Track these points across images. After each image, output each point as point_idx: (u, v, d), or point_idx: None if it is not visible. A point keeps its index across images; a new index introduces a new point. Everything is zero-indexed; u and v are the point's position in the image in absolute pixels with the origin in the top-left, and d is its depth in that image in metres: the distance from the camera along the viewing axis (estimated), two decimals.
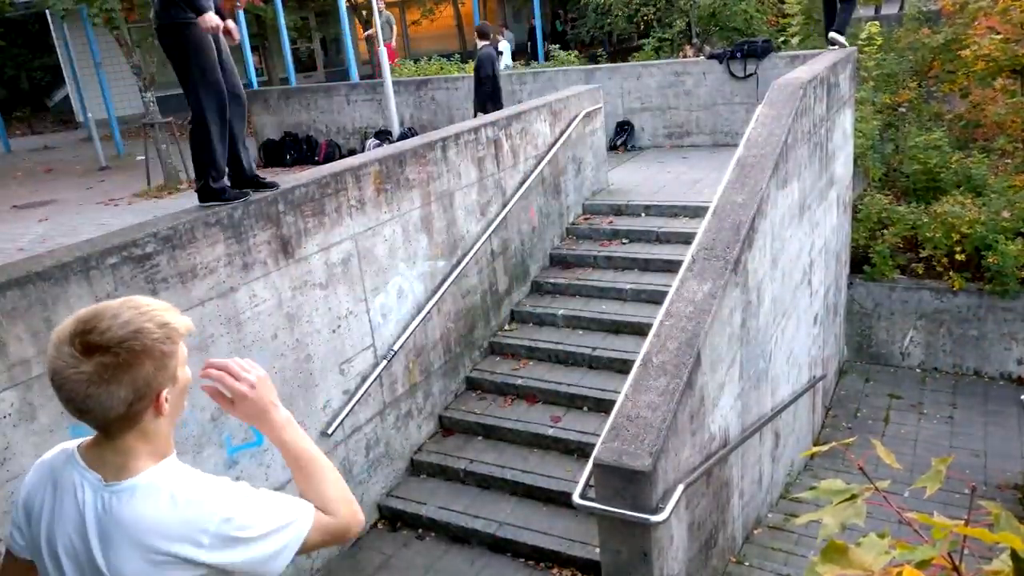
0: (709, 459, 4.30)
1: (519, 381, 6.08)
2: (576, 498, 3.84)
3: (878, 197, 9.47)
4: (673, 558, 3.91)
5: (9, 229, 8.87)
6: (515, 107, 7.23)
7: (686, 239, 6.27)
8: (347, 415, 4.98)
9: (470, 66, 14.93)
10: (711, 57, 10.31)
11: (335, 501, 1.60)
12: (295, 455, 1.64)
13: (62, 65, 18.80)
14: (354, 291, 5.07)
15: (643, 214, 7.60)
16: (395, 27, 14.29)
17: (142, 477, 1.47)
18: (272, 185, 4.50)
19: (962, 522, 1.12)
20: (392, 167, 5.33)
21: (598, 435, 4.59)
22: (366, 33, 14.80)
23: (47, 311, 3.41)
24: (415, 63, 15.03)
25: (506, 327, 6.71)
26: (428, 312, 5.66)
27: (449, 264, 5.94)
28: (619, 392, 4.11)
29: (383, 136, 11.84)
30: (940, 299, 8.92)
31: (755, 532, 5.57)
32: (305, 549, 1.55)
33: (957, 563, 1.10)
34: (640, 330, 6.02)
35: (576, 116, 7.61)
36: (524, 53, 20.78)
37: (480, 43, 8.72)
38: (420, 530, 5.27)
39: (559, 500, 5.09)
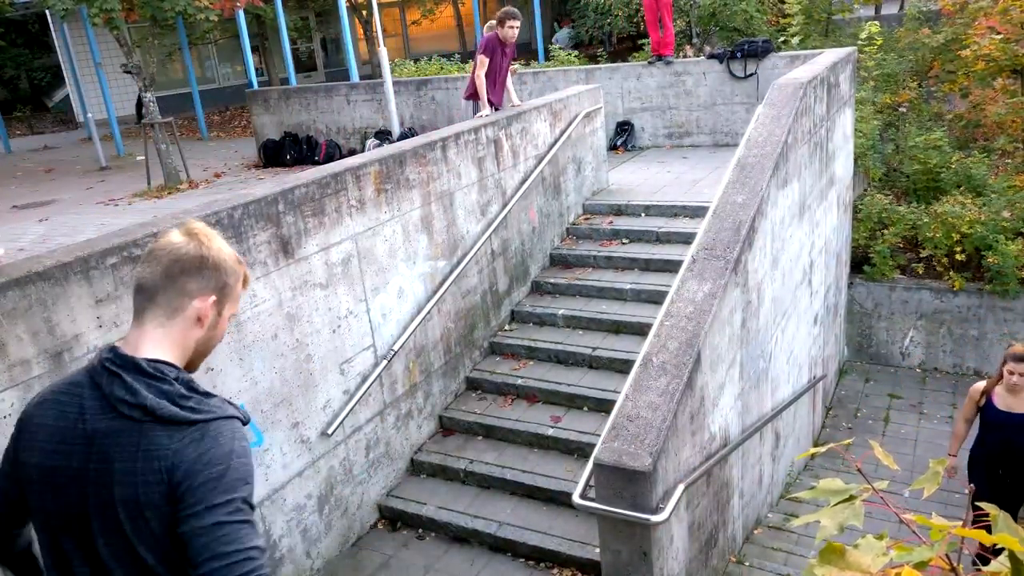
0: (709, 459, 4.31)
1: (519, 381, 6.09)
2: (576, 498, 3.84)
3: (878, 197, 9.47)
4: (673, 558, 3.92)
5: (9, 229, 8.87)
6: (515, 107, 7.23)
7: (686, 239, 6.27)
8: (347, 415, 4.99)
9: (471, 66, 14.95)
10: (711, 57, 10.32)
11: None
12: None
13: (62, 65, 18.81)
14: (354, 291, 5.07)
15: (643, 214, 7.61)
16: None
17: None
18: None
19: (960, 523, 1.12)
20: (392, 167, 5.33)
21: (598, 435, 4.59)
22: None
23: (47, 311, 3.41)
24: (415, 63, 15.03)
25: (506, 327, 6.71)
26: (428, 312, 5.66)
27: (449, 264, 5.94)
28: (619, 392, 4.11)
29: (383, 136, 11.85)
30: (940, 299, 8.92)
31: (755, 532, 5.57)
32: None
33: (955, 564, 1.10)
34: (640, 330, 6.03)
35: (576, 116, 7.61)
36: (526, 52, 20.79)
37: None
38: (420, 530, 5.28)
39: (559, 500, 5.09)
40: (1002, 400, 4.93)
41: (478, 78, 7.01)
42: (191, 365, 1.71)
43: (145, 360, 1.60)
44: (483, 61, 7.01)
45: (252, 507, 1.59)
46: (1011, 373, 4.82)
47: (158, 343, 1.64)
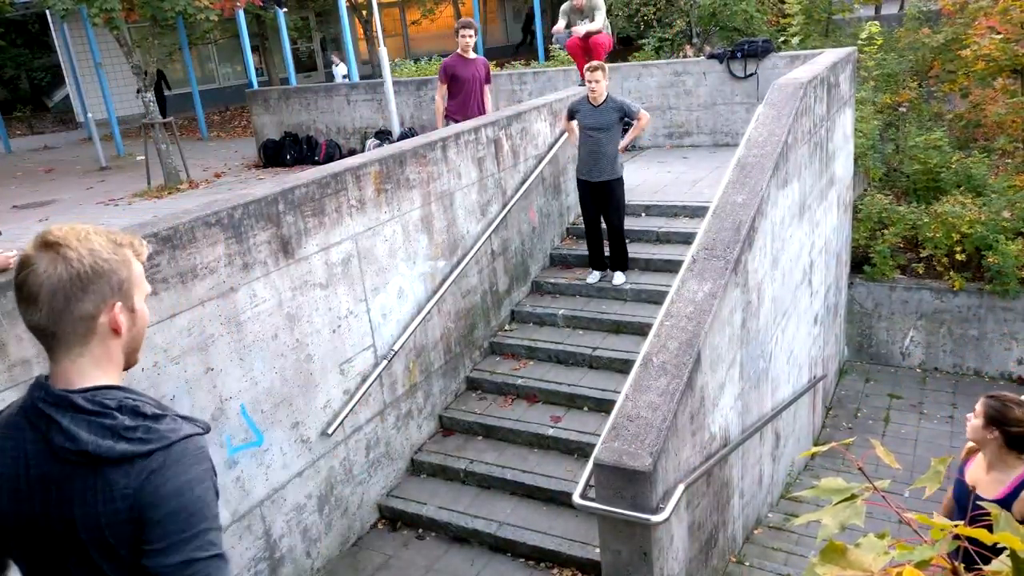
0: (709, 459, 4.30)
1: (519, 381, 6.08)
2: (576, 498, 3.84)
3: (878, 197, 9.47)
4: (673, 558, 3.91)
5: (9, 229, 8.87)
6: (515, 107, 7.23)
7: (686, 239, 6.27)
8: (347, 415, 4.99)
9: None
10: (711, 57, 10.31)
11: None
12: None
13: (62, 65, 18.81)
14: (354, 291, 5.07)
15: (643, 214, 7.60)
16: None
17: None
18: None
19: (961, 522, 1.12)
20: (392, 167, 5.33)
21: (598, 435, 4.59)
22: None
23: None
24: (415, 63, 15.04)
25: (506, 327, 6.71)
26: (428, 312, 5.66)
27: (449, 264, 5.94)
28: (619, 392, 4.11)
29: (383, 136, 11.85)
30: (940, 299, 8.92)
31: (755, 532, 5.57)
32: None
33: (956, 563, 1.10)
34: (640, 330, 6.02)
35: None
36: (527, 52, 20.79)
37: None
38: (420, 530, 5.27)
39: (559, 500, 5.09)
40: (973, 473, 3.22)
41: (436, 105, 7.09)
42: (128, 363, 1.60)
43: (81, 394, 1.48)
44: (440, 89, 7.21)
45: (219, 531, 1.50)
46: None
47: (87, 371, 1.51)
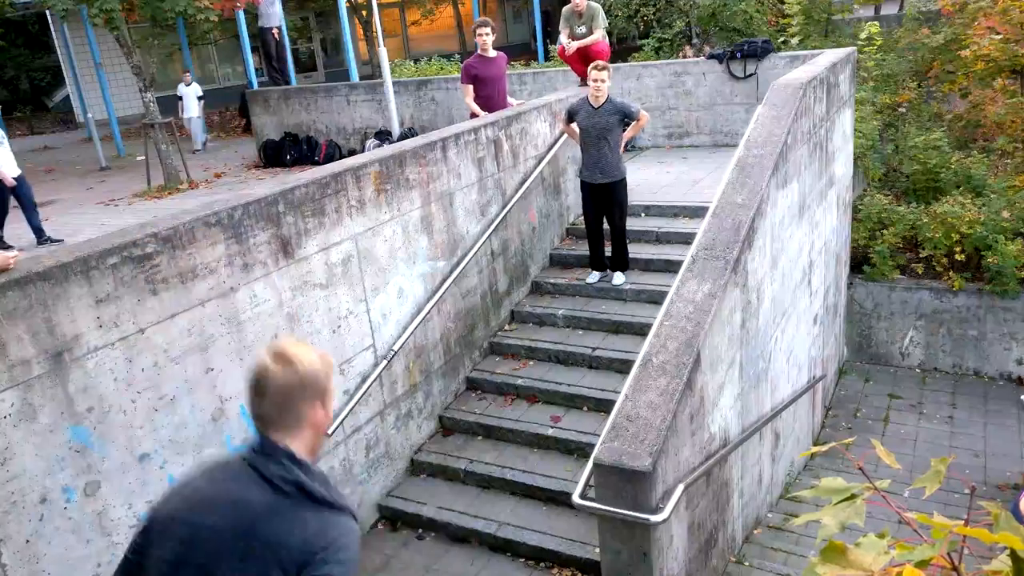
0: (709, 459, 4.31)
1: (519, 381, 6.09)
2: (576, 498, 3.84)
3: (878, 197, 9.47)
4: (673, 558, 3.92)
5: (10, 229, 8.87)
6: (515, 107, 7.23)
7: (686, 239, 6.26)
8: (347, 415, 4.99)
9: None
10: (711, 57, 10.31)
11: None
12: None
13: (62, 65, 18.81)
14: (354, 291, 5.07)
15: (643, 214, 7.60)
16: None
17: None
18: None
19: (962, 522, 1.12)
20: (392, 167, 5.33)
21: (598, 435, 4.59)
22: None
23: (47, 311, 3.41)
24: (415, 63, 15.04)
25: (506, 327, 6.71)
26: (428, 312, 5.66)
27: (449, 264, 5.94)
28: (619, 392, 4.11)
29: (383, 136, 11.85)
30: (940, 299, 8.92)
31: (755, 532, 5.57)
32: None
33: (957, 563, 1.10)
34: (640, 330, 6.02)
35: None
36: (526, 52, 20.80)
37: None
38: (420, 530, 5.28)
39: (559, 500, 5.09)
40: None
41: (467, 105, 7.24)
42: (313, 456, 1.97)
43: (291, 451, 1.88)
44: (466, 89, 7.29)
45: None
46: None
47: (292, 446, 1.89)
